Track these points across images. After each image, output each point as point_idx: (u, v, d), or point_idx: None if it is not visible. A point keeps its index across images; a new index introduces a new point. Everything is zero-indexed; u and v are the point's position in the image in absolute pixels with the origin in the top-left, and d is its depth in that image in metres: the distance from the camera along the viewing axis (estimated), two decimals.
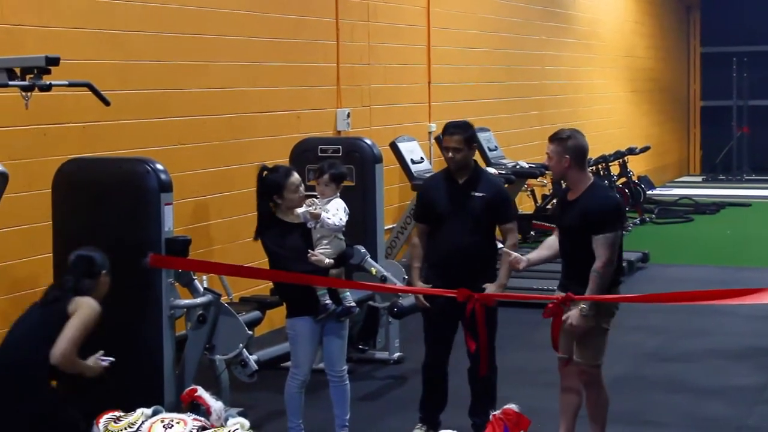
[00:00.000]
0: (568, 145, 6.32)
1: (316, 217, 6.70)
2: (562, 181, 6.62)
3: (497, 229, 7.01)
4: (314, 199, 6.90)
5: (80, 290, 5.88)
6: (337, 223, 6.75)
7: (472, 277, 6.75)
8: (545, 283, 10.39)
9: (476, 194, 6.88)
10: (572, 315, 6.15)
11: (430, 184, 7.24)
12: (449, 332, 6.96)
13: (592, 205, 6.27)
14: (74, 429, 5.80)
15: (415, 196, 7.26)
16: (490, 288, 6.76)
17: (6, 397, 5.72)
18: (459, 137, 6.91)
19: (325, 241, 6.77)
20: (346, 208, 6.92)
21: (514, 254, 6.46)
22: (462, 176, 6.94)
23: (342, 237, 6.89)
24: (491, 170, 12.39)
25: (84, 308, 5.79)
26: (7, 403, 5.72)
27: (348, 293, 6.86)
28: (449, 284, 6.54)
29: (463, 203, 6.87)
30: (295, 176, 6.69)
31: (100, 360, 5.88)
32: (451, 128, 6.98)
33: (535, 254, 6.62)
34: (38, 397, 5.71)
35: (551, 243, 6.59)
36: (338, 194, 6.98)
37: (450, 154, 6.89)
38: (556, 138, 6.37)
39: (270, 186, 6.66)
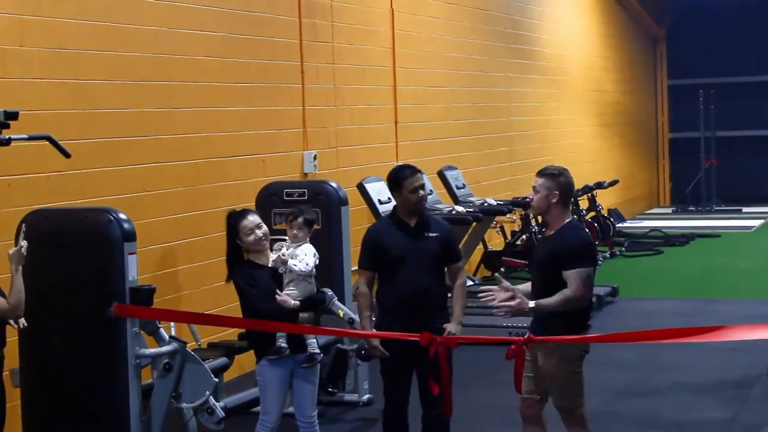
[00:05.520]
0: (560, 182, 6.37)
1: (284, 263, 6.79)
2: (538, 217, 6.62)
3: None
4: (282, 242, 6.97)
5: None
6: (304, 269, 6.83)
7: (432, 318, 6.85)
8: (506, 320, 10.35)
9: (431, 235, 6.96)
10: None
11: (380, 229, 7.17)
12: (409, 376, 7.00)
13: (562, 241, 6.33)
14: None
15: None
16: (450, 327, 6.82)
17: None
18: (422, 176, 7.01)
19: (292, 284, 6.83)
20: (316, 253, 6.98)
21: (519, 297, 6.27)
22: (412, 219, 6.99)
23: (312, 281, 6.94)
24: (459, 208, 12.49)
25: None
26: None
27: (313, 339, 6.89)
28: (409, 327, 6.60)
29: (419, 245, 6.93)
30: (248, 219, 6.77)
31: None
32: (410, 169, 7.03)
33: (523, 285, 6.55)
34: None
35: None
36: (308, 239, 7.04)
37: (421, 193, 6.94)
38: (547, 173, 6.40)
39: (229, 230, 6.80)
